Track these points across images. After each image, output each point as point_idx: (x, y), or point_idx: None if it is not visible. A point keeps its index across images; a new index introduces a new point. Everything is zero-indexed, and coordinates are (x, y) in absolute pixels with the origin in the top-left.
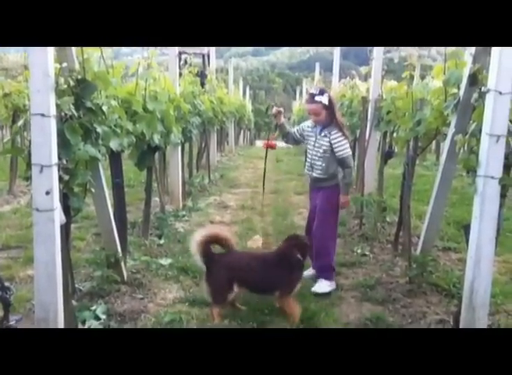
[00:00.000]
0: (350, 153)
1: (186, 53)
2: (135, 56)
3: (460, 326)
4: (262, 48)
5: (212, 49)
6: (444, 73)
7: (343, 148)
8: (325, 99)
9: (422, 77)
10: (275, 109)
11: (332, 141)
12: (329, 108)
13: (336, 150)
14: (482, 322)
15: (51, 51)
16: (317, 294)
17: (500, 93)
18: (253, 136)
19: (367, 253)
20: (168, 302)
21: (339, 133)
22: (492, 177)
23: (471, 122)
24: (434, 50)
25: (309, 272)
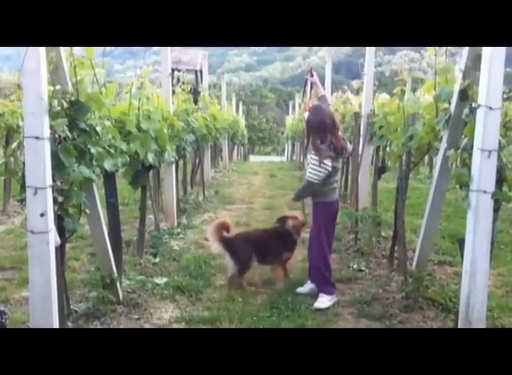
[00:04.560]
0: (314, 180)
1: (178, 70)
2: (128, 73)
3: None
4: (254, 63)
5: (205, 65)
6: (435, 89)
7: (309, 171)
8: (306, 117)
9: (413, 90)
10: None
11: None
12: (307, 127)
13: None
14: None
15: (44, 74)
16: (318, 310)
17: (491, 108)
18: (247, 151)
19: (363, 268)
20: (165, 322)
21: (313, 155)
22: (485, 192)
23: (463, 137)
24: (425, 62)
25: (305, 288)
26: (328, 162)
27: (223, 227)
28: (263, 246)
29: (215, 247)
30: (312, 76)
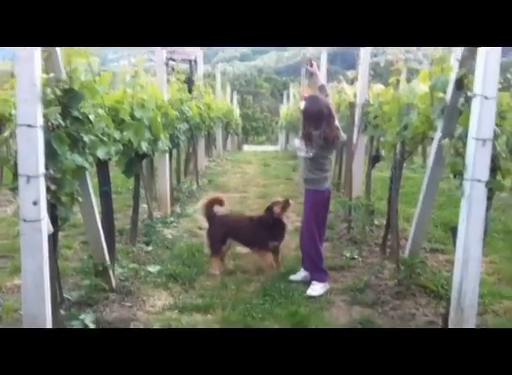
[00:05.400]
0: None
1: (173, 60)
2: (121, 63)
3: (449, 327)
4: (249, 53)
5: (199, 55)
6: (430, 78)
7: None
8: (303, 106)
9: (408, 80)
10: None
11: None
12: (302, 116)
13: None
14: (471, 322)
15: (38, 61)
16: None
17: (486, 97)
18: (241, 140)
19: (356, 256)
20: (158, 310)
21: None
22: (479, 181)
23: (458, 126)
24: (420, 53)
25: (298, 275)
26: (311, 152)
27: (214, 202)
28: (244, 232)
29: (203, 219)
30: (312, 66)
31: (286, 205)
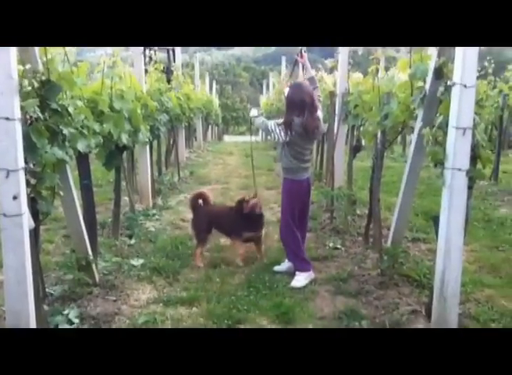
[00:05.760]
0: (261, 127)
1: (150, 48)
2: (98, 52)
3: (432, 316)
4: None
5: None
6: (410, 67)
7: (270, 123)
8: (286, 93)
9: (386, 69)
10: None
11: None
12: (286, 102)
13: None
14: (453, 311)
15: (13, 53)
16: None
17: (465, 86)
18: (221, 131)
19: (338, 246)
20: (142, 303)
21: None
22: (460, 169)
23: (438, 115)
24: None
25: (282, 266)
26: (283, 134)
27: (199, 197)
28: (225, 222)
29: (190, 211)
30: (302, 57)
31: (254, 203)
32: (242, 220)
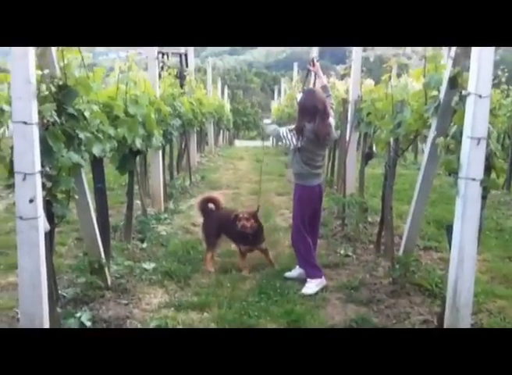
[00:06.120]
0: (272, 134)
1: (163, 53)
2: (110, 55)
3: (444, 326)
4: (238, 47)
5: (190, 48)
6: (424, 76)
7: (282, 130)
8: (299, 99)
9: (398, 76)
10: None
11: None
12: (298, 108)
13: None
14: (466, 321)
15: (32, 58)
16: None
17: (480, 96)
18: (232, 135)
19: (350, 254)
20: (154, 307)
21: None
22: (474, 179)
23: (452, 124)
24: (409, 48)
25: (293, 273)
26: (294, 140)
27: (209, 201)
28: (232, 228)
29: (198, 214)
30: (314, 66)
31: (250, 217)
32: (238, 234)
